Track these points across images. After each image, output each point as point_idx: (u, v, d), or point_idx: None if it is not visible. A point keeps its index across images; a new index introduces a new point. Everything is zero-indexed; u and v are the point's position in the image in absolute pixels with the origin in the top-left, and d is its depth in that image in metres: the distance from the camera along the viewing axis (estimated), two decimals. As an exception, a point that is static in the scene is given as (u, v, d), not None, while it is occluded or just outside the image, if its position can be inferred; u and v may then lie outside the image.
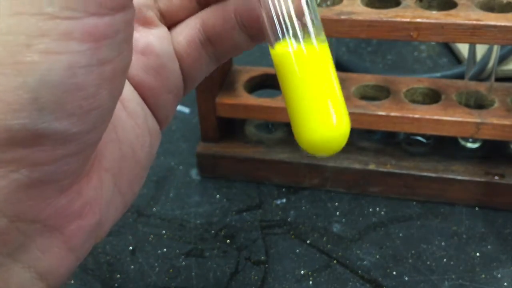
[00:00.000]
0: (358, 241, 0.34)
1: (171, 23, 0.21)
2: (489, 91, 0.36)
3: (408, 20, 0.31)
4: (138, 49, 0.20)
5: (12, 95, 0.13)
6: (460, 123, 0.34)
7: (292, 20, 0.18)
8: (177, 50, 0.21)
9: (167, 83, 0.21)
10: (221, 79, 0.38)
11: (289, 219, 0.36)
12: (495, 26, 0.30)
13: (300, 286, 0.31)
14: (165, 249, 0.34)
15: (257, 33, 0.20)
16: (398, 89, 0.37)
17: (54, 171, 0.15)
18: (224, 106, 0.37)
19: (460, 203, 0.36)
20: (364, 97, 0.38)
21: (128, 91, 0.20)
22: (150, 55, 0.20)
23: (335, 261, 0.33)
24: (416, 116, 0.35)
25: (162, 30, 0.21)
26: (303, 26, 0.18)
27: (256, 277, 0.32)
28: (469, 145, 0.38)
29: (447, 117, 0.34)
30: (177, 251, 0.34)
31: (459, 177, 0.36)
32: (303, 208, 0.37)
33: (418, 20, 0.31)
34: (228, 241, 0.35)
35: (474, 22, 0.31)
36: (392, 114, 0.35)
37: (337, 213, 0.36)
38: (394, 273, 0.32)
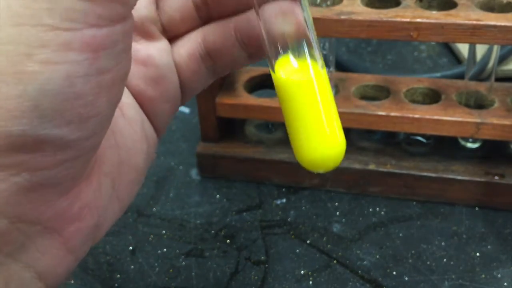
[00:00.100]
0: (358, 241, 0.34)
1: (172, 36, 0.22)
2: (489, 91, 0.36)
3: (408, 20, 0.31)
4: (139, 60, 0.21)
5: (13, 102, 0.14)
6: (460, 123, 0.34)
7: (292, 45, 0.19)
8: (178, 62, 0.22)
9: (166, 94, 0.21)
10: (221, 79, 0.38)
11: (289, 219, 0.36)
12: (495, 26, 0.30)
13: (300, 286, 0.31)
14: (165, 249, 0.34)
15: (256, 51, 0.21)
16: (398, 89, 0.37)
17: (54, 175, 0.15)
18: (224, 106, 0.37)
19: (460, 203, 0.36)
20: (364, 97, 0.38)
21: (127, 99, 0.21)
22: (150, 66, 0.21)
23: (335, 261, 0.33)
24: (416, 116, 0.35)
25: (163, 43, 0.21)
26: (302, 49, 0.19)
27: (256, 277, 0.32)
28: (469, 145, 0.38)
29: (447, 117, 0.34)
30: (177, 251, 0.34)
31: (459, 177, 0.36)
32: (303, 208, 0.37)
33: (418, 20, 0.31)
34: (228, 241, 0.35)
35: (474, 22, 0.31)
36: (392, 114, 0.35)
37: (337, 213, 0.36)
38: (394, 273, 0.32)
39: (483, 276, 0.31)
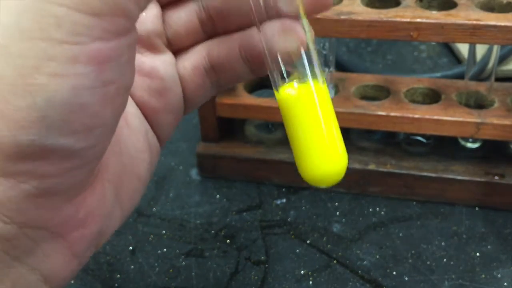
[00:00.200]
0: (358, 241, 0.34)
1: (177, 49, 0.22)
2: (489, 91, 0.36)
3: (408, 20, 0.31)
4: (144, 72, 0.21)
5: (23, 113, 0.14)
6: (460, 123, 0.34)
7: (293, 63, 0.19)
8: (182, 75, 0.22)
9: (169, 105, 0.22)
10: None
11: (289, 219, 0.36)
12: (495, 26, 0.30)
13: (300, 286, 0.31)
14: (165, 249, 0.34)
15: (259, 67, 0.21)
16: (398, 89, 0.37)
17: (61, 183, 0.16)
18: (224, 106, 0.37)
19: (460, 203, 0.36)
20: (364, 97, 0.38)
21: (132, 108, 0.21)
22: (155, 78, 0.21)
23: (335, 261, 0.33)
24: (416, 116, 0.35)
25: (168, 56, 0.22)
26: (303, 67, 0.19)
27: (256, 277, 0.32)
28: (469, 145, 0.38)
29: (447, 117, 0.34)
30: (177, 251, 0.34)
31: (459, 177, 0.36)
32: (303, 208, 0.37)
33: (418, 20, 0.31)
34: (228, 241, 0.35)
35: (474, 22, 0.31)
36: (392, 114, 0.35)
37: (337, 213, 0.36)
38: (394, 273, 0.32)
39: (483, 276, 0.31)
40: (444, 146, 0.38)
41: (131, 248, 0.34)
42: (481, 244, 0.34)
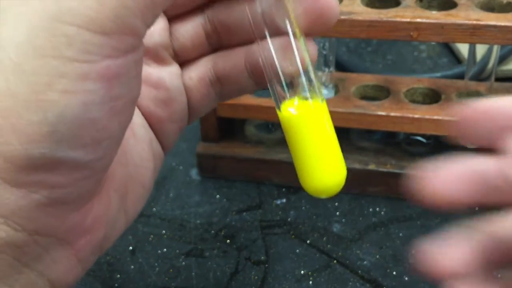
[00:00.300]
0: (358, 241, 0.34)
1: (183, 61, 0.23)
2: (489, 91, 0.36)
3: (408, 20, 0.31)
4: (151, 83, 0.22)
5: (34, 128, 0.15)
6: (460, 123, 0.34)
7: (294, 85, 0.20)
8: (188, 85, 0.23)
9: (174, 115, 0.23)
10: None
11: (289, 219, 0.36)
12: (495, 26, 0.30)
13: (300, 286, 0.31)
14: (165, 249, 0.34)
15: (263, 81, 0.22)
16: (398, 89, 0.37)
17: (70, 193, 0.17)
18: (224, 106, 0.37)
19: (460, 203, 0.36)
20: (364, 97, 0.38)
21: (137, 118, 0.22)
22: (161, 89, 0.22)
23: (335, 261, 0.33)
24: (416, 116, 0.35)
25: (174, 67, 0.22)
26: (302, 84, 0.20)
27: (256, 277, 0.32)
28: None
29: (447, 117, 0.34)
30: (177, 251, 0.34)
31: (459, 177, 0.36)
32: (303, 208, 0.37)
33: (418, 20, 0.31)
34: (228, 241, 0.35)
35: (474, 22, 0.31)
36: (392, 114, 0.35)
37: (337, 213, 0.36)
38: (394, 273, 0.32)
39: (483, 276, 0.31)
40: (444, 146, 0.38)
41: (131, 248, 0.34)
42: (481, 244, 0.33)
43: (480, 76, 0.36)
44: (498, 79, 0.38)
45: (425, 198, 0.18)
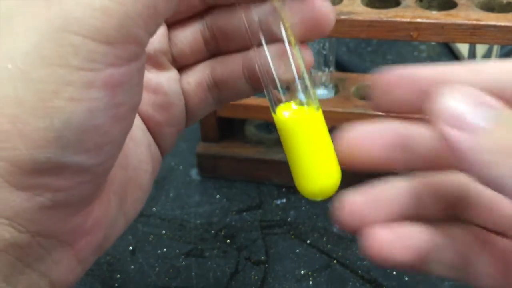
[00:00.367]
0: (358, 241, 0.34)
1: (181, 66, 0.23)
2: (489, 91, 0.36)
3: (408, 20, 0.31)
4: (150, 88, 0.22)
5: (40, 133, 0.16)
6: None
7: (290, 90, 0.20)
8: (186, 90, 0.23)
9: (172, 119, 0.23)
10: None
11: (289, 219, 0.36)
12: (495, 26, 0.30)
13: (300, 286, 0.31)
14: (165, 249, 0.34)
15: (260, 86, 0.22)
16: (398, 89, 0.37)
17: (72, 196, 0.17)
18: (224, 106, 0.37)
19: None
20: (364, 97, 0.38)
21: (136, 122, 0.22)
22: (159, 94, 0.22)
23: (335, 261, 0.33)
24: (416, 116, 0.34)
25: (173, 72, 0.23)
26: (298, 89, 0.20)
27: (256, 277, 0.32)
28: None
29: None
30: (177, 251, 0.34)
31: (459, 177, 0.36)
32: (303, 208, 0.37)
33: (418, 20, 0.31)
34: (228, 241, 0.35)
35: (474, 22, 0.31)
36: (392, 114, 0.35)
37: (337, 213, 0.36)
38: (394, 273, 0.32)
39: (483, 276, 0.31)
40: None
41: (131, 248, 0.34)
42: (481, 244, 0.33)
43: (480, 76, 0.36)
44: (498, 79, 0.38)
45: (345, 156, 0.19)
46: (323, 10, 0.20)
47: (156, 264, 0.33)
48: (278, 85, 0.20)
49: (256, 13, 0.20)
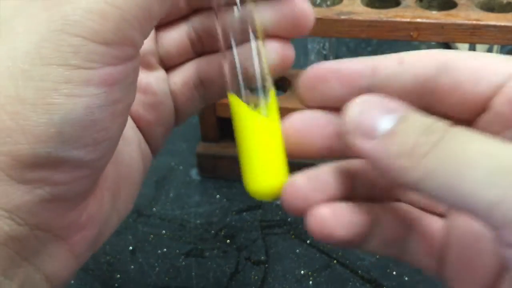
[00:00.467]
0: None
1: (168, 67, 0.24)
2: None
3: (408, 20, 0.31)
4: (140, 88, 0.23)
5: (41, 129, 0.16)
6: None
7: (252, 89, 0.21)
8: (173, 90, 0.24)
9: (161, 118, 0.24)
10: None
11: (289, 219, 0.36)
12: (495, 26, 0.30)
13: (300, 286, 0.31)
14: (165, 249, 0.34)
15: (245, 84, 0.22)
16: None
17: (70, 190, 0.18)
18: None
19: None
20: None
21: (127, 121, 0.23)
22: (148, 94, 0.23)
23: (335, 261, 0.33)
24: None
25: (161, 72, 0.24)
26: (257, 89, 0.20)
27: (256, 277, 0.32)
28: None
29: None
30: (177, 251, 0.34)
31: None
32: (303, 208, 0.37)
33: (418, 20, 0.31)
34: (228, 241, 0.35)
35: (474, 22, 0.31)
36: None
37: (337, 213, 0.36)
38: (394, 273, 0.32)
39: (483, 276, 0.31)
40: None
41: (131, 248, 0.34)
42: (481, 244, 0.33)
43: (480, 76, 0.36)
44: (498, 79, 0.38)
45: (291, 143, 0.20)
46: (303, 9, 0.21)
47: (156, 264, 0.33)
48: (241, 83, 0.21)
49: (230, 15, 0.21)
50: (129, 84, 0.18)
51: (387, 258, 0.33)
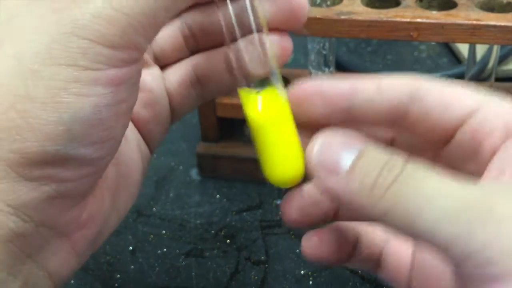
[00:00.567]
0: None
1: (163, 65, 0.25)
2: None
3: (408, 20, 0.31)
4: None
5: (51, 127, 0.17)
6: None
7: (258, 81, 0.21)
8: (168, 88, 0.24)
9: (158, 116, 0.24)
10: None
11: (289, 219, 0.36)
12: (495, 26, 0.30)
13: (300, 286, 0.31)
14: (165, 249, 0.34)
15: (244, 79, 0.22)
16: (398, 89, 0.37)
17: (74, 187, 0.18)
18: (224, 106, 0.37)
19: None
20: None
21: None
22: (145, 91, 0.23)
23: (335, 261, 0.33)
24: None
25: (156, 69, 0.24)
26: (266, 84, 0.21)
27: (256, 277, 0.32)
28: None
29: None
30: (177, 251, 0.34)
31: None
32: (303, 208, 0.37)
33: (418, 20, 0.31)
34: (228, 241, 0.35)
35: (474, 22, 0.31)
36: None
37: (337, 213, 0.36)
38: (394, 273, 0.32)
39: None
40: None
41: (131, 248, 0.34)
42: (481, 244, 0.33)
43: (480, 76, 0.36)
44: (498, 79, 0.38)
45: (296, 108, 0.21)
46: (298, 2, 0.22)
47: (156, 264, 0.33)
48: (247, 78, 0.21)
49: (233, 8, 0.21)
50: (133, 85, 0.19)
51: (387, 258, 0.33)
